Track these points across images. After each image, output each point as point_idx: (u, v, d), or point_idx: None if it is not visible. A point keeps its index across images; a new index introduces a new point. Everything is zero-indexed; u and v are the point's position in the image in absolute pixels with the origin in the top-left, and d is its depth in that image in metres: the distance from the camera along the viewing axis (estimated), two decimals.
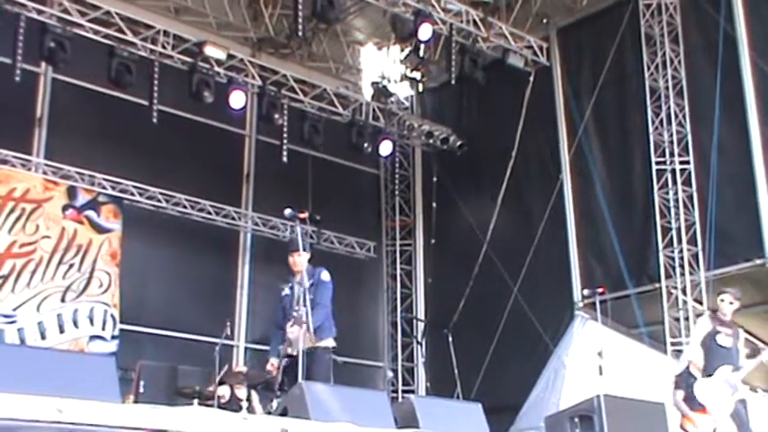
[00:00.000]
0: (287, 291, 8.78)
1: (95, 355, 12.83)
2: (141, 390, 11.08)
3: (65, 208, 14.90)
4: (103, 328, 14.83)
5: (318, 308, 8.49)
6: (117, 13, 14.02)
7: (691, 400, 11.17)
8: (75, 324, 14.54)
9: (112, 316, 14.97)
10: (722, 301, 9.74)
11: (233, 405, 10.41)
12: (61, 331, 14.38)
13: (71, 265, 14.76)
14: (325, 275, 8.83)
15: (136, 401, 10.31)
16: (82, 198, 15.11)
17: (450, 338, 16.32)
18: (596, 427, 7.25)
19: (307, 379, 7.80)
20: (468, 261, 17.29)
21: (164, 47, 14.51)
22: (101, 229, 15.21)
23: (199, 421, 4.96)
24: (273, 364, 8.59)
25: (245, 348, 16.71)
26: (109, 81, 14.21)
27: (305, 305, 8.18)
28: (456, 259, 17.97)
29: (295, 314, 8.24)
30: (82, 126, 15.18)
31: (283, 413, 6.37)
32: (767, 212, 13.72)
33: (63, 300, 14.58)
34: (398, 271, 19.26)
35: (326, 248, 17.48)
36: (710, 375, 9.61)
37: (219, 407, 9.82)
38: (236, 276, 17.08)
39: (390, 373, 18.05)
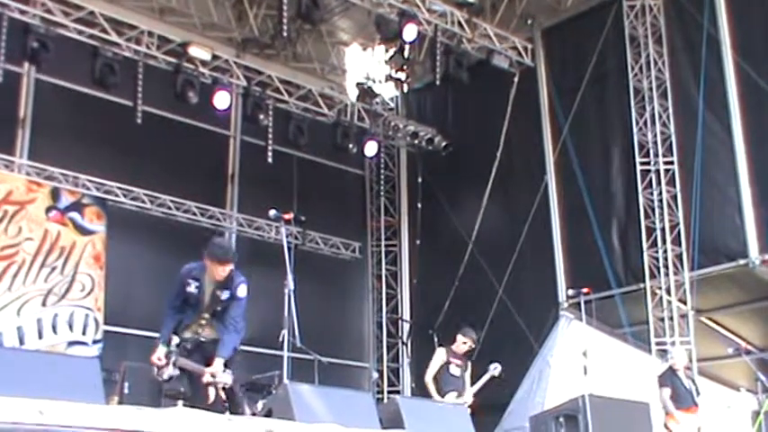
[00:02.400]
0: (193, 289, 8.00)
1: (79, 357, 12.77)
2: (126, 391, 11.02)
3: (48, 210, 14.81)
4: (84, 333, 14.73)
5: (236, 334, 7.99)
6: (101, 14, 13.98)
7: (675, 400, 11.27)
8: (54, 329, 14.44)
9: (95, 320, 14.88)
10: (465, 343, 11.36)
11: (218, 406, 10.38)
12: (40, 336, 14.25)
13: (53, 268, 14.67)
14: (244, 290, 8.13)
15: (120, 403, 10.27)
16: (65, 200, 15.03)
17: (436, 339, 16.30)
18: (581, 426, 7.27)
19: (194, 392, 7.81)
20: (454, 262, 17.30)
21: (148, 47, 14.46)
22: (84, 231, 15.13)
23: (184, 423, 4.95)
24: (160, 357, 7.85)
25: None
26: (93, 82, 14.16)
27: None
28: (441, 260, 17.98)
29: (204, 321, 7.99)
30: (65, 127, 15.11)
31: (268, 414, 6.37)
32: (750, 213, 13.77)
33: (44, 304, 14.46)
34: (384, 272, 19.26)
35: (311, 249, 17.46)
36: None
37: (204, 409, 9.79)
38: None
39: (376, 374, 18.04)
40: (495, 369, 11.25)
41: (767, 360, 14.23)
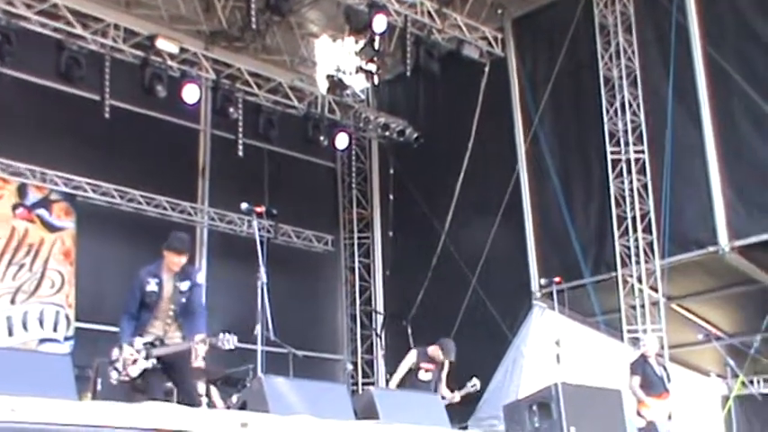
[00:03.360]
0: (153, 286, 8.12)
1: (51, 354, 12.69)
2: (99, 387, 10.97)
3: (15, 207, 14.70)
4: (55, 330, 14.63)
5: (203, 317, 8.25)
6: (65, 6, 13.81)
7: (647, 387, 11.34)
8: (25, 326, 14.34)
9: (66, 316, 14.79)
10: (441, 357, 11.04)
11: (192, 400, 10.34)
12: (10, 334, 14.16)
13: (22, 266, 14.55)
14: (202, 276, 8.74)
15: (93, 399, 10.21)
16: (33, 196, 14.92)
17: (410, 330, 16.35)
18: (554, 414, 7.30)
19: (181, 381, 8.04)
20: (426, 253, 17.32)
21: (114, 40, 14.33)
22: (52, 228, 15.01)
23: (158, 417, 4.92)
24: (133, 354, 7.94)
25: (207, 343, 16.58)
26: (58, 76, 14.03)
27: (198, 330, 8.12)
28: (414, 251, 18.00)
29: (172, 314, 8.10)
30: (32, 122, 14.95)
31: (243, 407, 6.35)
32: (720, 201, 13.87)
33: (13, 301, 14.36)
34: (357, 264, 19.25)
35: (284, 243, 17.43)
36: None
37: (178, 402, 9.75)
38: None
39: (350, 366, 18.05)
40: (473, 386, 11.16)
41: (736, 346, 14.36)
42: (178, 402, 7.84)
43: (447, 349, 11.10)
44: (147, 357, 7.96)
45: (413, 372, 10.99)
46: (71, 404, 4.77)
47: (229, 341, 7.93)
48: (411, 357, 11.07)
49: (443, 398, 10.40)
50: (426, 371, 10.97)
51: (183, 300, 8.13)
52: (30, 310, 14.45)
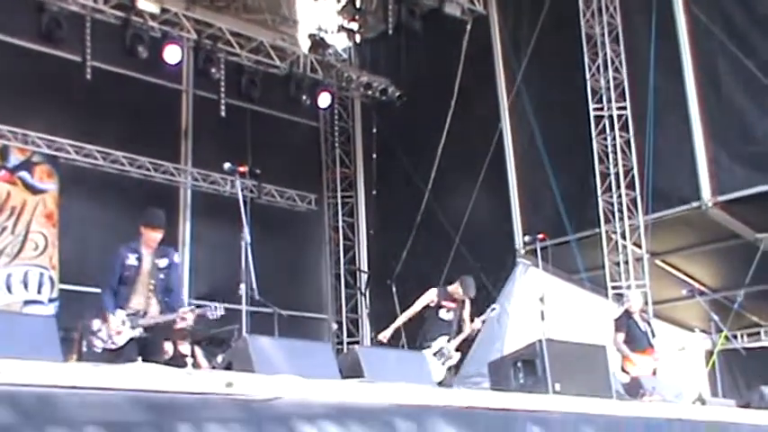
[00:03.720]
0: (133, 260, 8.32)
1: (36, 316, 12.67)
2: (84, 349, 10.99)
3: None
4: (39, 292, 14.63)
5: (181, 294, 8.74)
6: None
7: (631, 342, 11.42)
8: (9, 289, 14.34)
9: (50, 278, 14.78)
10: (460, 293, 10.98)
11: (177, 361, 10.37)
12: None
13: (4, 228, 14.52)
14: (178, 257, 8.82)
15: (79, 361, 10.23)
16: (14, 159, 14.85)
17: (394, 289, 16.40)
18: (539, 370, 7.34)
19: (153, 353, 8.07)
20: (410, 211, 17.35)
21: (95, 1, 14.23)
22: (35, 190, 14.96)
23: (144, 378, 4.93)
24: (118, 324, 8.10)
25: (189, 304, 16.60)
26: (39, 37, 13.93)
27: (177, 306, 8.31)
28: (398, 210, 18.02)
29: (152, 288, 8.28)
30: (13, 84, 14.81)
31: (228, 367, 6.37)
32: (702, 156, 13.91)
33: None
34: (340, 223, 19.29)
35: (267, 202, 17.44)
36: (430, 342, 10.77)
37: (164, 363, 9.78)
38: (178, 232, 16.92)
39: (335, 325, 18.13)
40: (492, 311, 11.15)
41: (720, 301, 14.45)
42: None
43: (466, 285, 11.04)
44: (132, 327, 8.11)
45: (433, 310, 10.93)
46: (57, 366, 4.78)
47: (217, 309, 8.12)
48: (430, 295, 11.01)
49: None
50: (448, 309, 10.95)
51: (162, 276, 8.34)
52: (13, 272, 14.44)
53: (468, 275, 11.42)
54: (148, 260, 8.33)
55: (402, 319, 11.17)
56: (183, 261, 16.80)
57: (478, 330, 11.29)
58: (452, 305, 10.97)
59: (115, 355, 8.10)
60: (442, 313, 10.91)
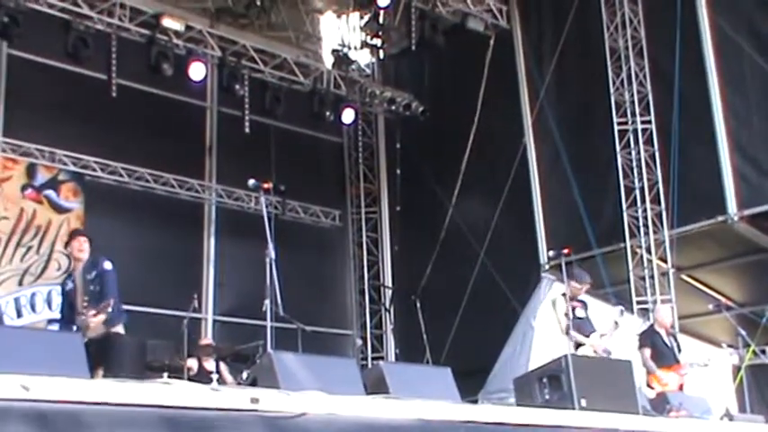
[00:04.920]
0: (69, 284, 8.71)
1: (62, 332, 12.74)
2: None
3: (24, 188, 14.74)
4: None
5: (109, 297, 8.52)
6: None
7: (657, 358, 11.34)
8: (33, 308, 14.42)
9: None
10: (580, 288, 10.88)
11: (202, 377, 10.41)
12: (19, 315, 14.26)
13: (29, 248, 14.61)
14: (108, 264, 8.86)
15: (105, 377, 10.28)
16: (41, 177, 14.96)
17: (418, 304, 16.34)
18: (564, 386, 7.31)
19: (107, 363, 8.21)
20: (434, 227, 17.33)
21: (120, 19, 14.33)
22: (60, 209, 15.06)
23: (169, 394, 4.95)
24: None
25: (213, 321, 16.69)
26: (66, 55, 14.04)
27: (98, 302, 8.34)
28: (422, 225, 18.00)
29: (85, 304, 8.44)
30: (40, 102, 14.97)
31: (253, 383, 6.38)
32: (728, 170, 13.84)
33: (21, 283, 14.43)
34: (364, 239, 19.28)
35: (291, 218, 17.45)
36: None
37: (189, 379, 9.81)
38: (203, 249, 17.00)
39: (359, 341, 18.10)
40: (620, 312, 10.87)
41: (747, 315, 14.34)
42: None
43: (579, 277, 10.95)
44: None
45: (568, 315, 10.56)
46: (84, 382, 4.81)
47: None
48: (561, 304, 10.68)
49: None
50: (580, 308, 10.79)
51: (94, 288, 8.57)
52: (37, 291, 14.52)
53: (575, 266, 11.29)
54: (80, 278, 8.60)
55: (563, 328, 10.57)
56: (208, 277, 16.86)
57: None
58: (578, 304, 10.80)
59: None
60: (578, 312, 10.72)
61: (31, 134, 14.81)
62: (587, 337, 10.55)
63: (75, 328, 8.44)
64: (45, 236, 14.80)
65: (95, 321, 8.30)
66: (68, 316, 8.66)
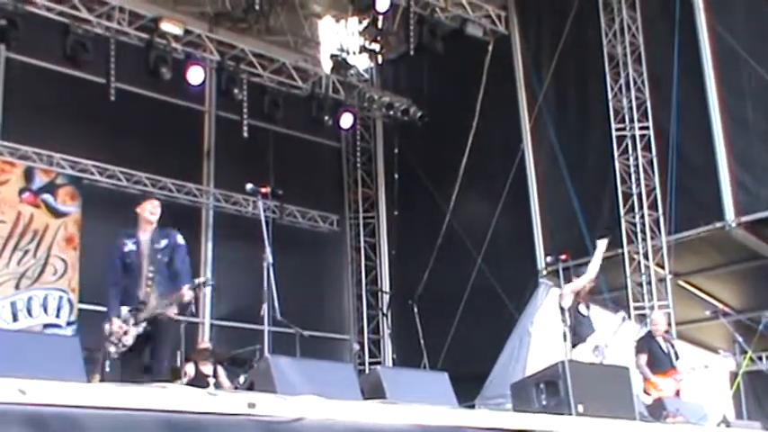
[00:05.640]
0: (131, 246, 8.01)
1: (60, 336, 12.76)
2: (107, 369, 11.02)
3: (21, 191, 14.73)
4: (58, 316, 14.69)
5: (186, 277, 8.00)
6: None
7: (654, 364, 11.34)
8: (30, 312, 14.41)
9: (69, 301, 14.82)
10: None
11: (200, 381, 10.38)
12: (15, 319, 14.24)
13: (26, 252, 14.60)
14: (182, 239, 8.28)
15: (102, 381, 10.27)
16: (39, 181, 14.95)
17: (416, 309, 16.35)
18: (561, 392, 7.31)
19: (157, 348, 7.88)
20: (432, 232, 17.34)
21: (119, 23, 14.35)
22: (57, 213, 15.04)
23: (166, 398, 4.95)
24: (121, 326, 7.83)
25: (211, 325, 16.68)
26: (64, 59, 14.06)
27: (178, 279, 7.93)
28: (419, 230, 18.01)
29: (151, 275, 7.91)
30: (38, 105, 14.97)
31: (250, 387, 6.38)
32: (726, 176, 13.85)
33: (17, 287, 14.41)
34: (362, 243, 19.28)
35: (289, 223, 17.46)
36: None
37: (186, 384, 9.79)
38: (200, 253, 16.97)
39: (357, 346, 18.10)
40: (623, 318, 10.80)
41: (744, 322, 14.34)
42: (146, 368, 7.98)
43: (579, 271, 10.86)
44: (135, 323, 7.89)
45: (572, 311, 10.41)
46: (81, 386, 4.80)
47: (207, 282, 8.17)
48: (567, 301, 10.50)
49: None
50: (585, 306, 10.60)
51: (164, 259, 8.01)
52: (34, 295, 14.51)
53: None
54: (146, 243, 8.05)
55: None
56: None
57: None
58: (583, 302, 10.58)
59: (130, 357, 7.92)
60: (582, 308, 10.55)
61: (29, 137, 14.81)
62: (584, 340, 10.43)
63: (123, 292, 7.96)
64: (42, 240, 14.78)
65: (167, 307, 7.84)
66: (127, 284, 7.96)
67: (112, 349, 7.92)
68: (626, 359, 10.99)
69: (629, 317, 14.22)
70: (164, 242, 8.07)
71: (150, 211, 8.13)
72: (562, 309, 10.39)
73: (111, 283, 8.10)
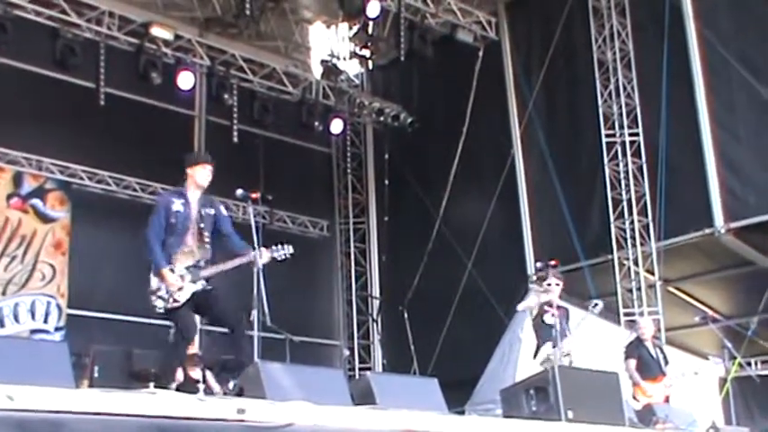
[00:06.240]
0: (179, 206, 7.87)
1: (48, 341, 12.71)
2: (96, 375, 10.98)
3: (9, 196, 14.68)
4: (46, 321, 14.64)
5: (240, 238, 8.14)
6: None
7: (643, 369, 11.35)
8: (17, 318, 14.35)
9: (58, 306, 14.78)
10: (551, 285, 10.51)
11: (189, 387, 10.34)
12: (1, 325, 14.18)
13: (14, 257, 14.54)
14: (225, 210, 8.41)
15: (91, 386, 10.22)
16: (27, 186, 14.90)
17: (406, 315, 16.34)
18: (551, 398, 7.31)
19: (222, 309, 7.87)
20: (422, 237, 17.33)
21: (109, 28, 14.34)
22: (46, 219, 14.99)
23: (156, 404, 4.94)
24: (177, 280, 7.67)
25: (200, 330, 16.60)
26: (54, 64, 14.03)
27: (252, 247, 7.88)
28: (410, 236, 18.01)
29: (207, 235, 7.87)
30: (28, 110, 14.93)
31: (239, 393, 6.36)
32: (715, 182, 13.88)
33: (4, 293, 14.36)
34: (352, 249, 19.27)
35: (279, 228, 17.43)
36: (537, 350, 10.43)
37: (176, 389, 9.75)
38: None
39: (347, 351, 18.07)
40: (595, 307, 10.59)
41: (733, 328, 14.37)
42: (228, 330, 7.87)
43: (547, 273, 10.77)
44: (194, 281, 7.80)
45: (539, 316, 10.51)
46: (69, 392, 4.78)
47: (286, 248, 8.10)
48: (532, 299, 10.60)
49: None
50: (552, 315, 10.35)
51: (210, 225, 7.99)
52: (21, 301, 14.45)
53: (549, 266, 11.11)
54: (196, 207, 7.95)
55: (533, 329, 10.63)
56: None
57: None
58: (553, 309, 10.38)
59: (175, 314, 7.79)
60: (547, 318, 10.43)
61: (17, 142, 14.75)
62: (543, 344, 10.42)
63: (191, 260, 7.80)
64: (30, 246, 14.72)
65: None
66: (172, 243, 7.77)
67: (159, 304, 7.77)
68: (615, 365, 11.00)
69: (620, 323, 14.25)
70: (210, 210, 8.04)
71: (206, 176, 8.07)
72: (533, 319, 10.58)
73: (154, 237, 7.82)
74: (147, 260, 7.87)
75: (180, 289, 7.71)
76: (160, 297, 7.74)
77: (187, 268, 7.79)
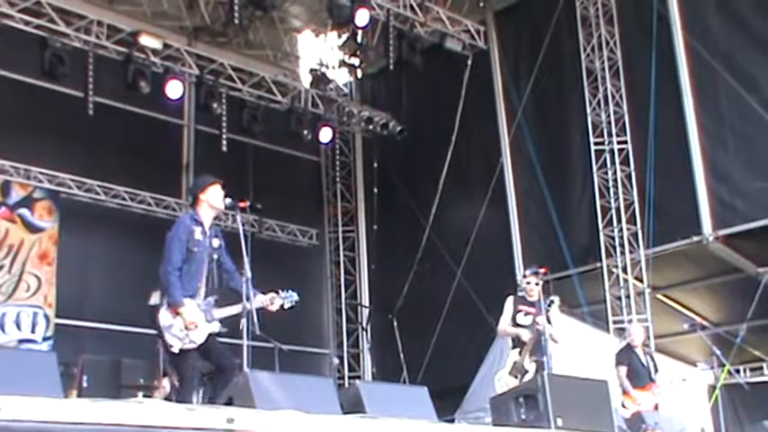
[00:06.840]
0: (199, 235, 7.35)
1: (36, 351, 12.67)
2: (84, 384, 10.96)
3: None
4: (33, 332, 14.57)
5: (239, 281, 7.44)
6: (48, 3, 13.75)
7: (633, 377, 11.37)
8: (3, 328, 14.29)
9: (45, 316, 14.71)
10: (529, 283, 10.32)
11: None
12: None
13: (1, 267, 14.48)
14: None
15: (79, 396, 10.19)
16: (15, 195, 14.84)
17: (395, 323, 16.37)
18: (540, 405, 7.30)
19: (220, 355, 7.38)
20: (412, 246, 17.34)
21: (98, 37, 14.30)
22: (33, 229, 14.93)
23: (144, 413, 4.92)
24: (193, 316, 7.07)
25: None
26: (42, 73, 13.99)
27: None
28: (399, 244, 18.01)
29: (206, 272, 7.27)
30: (16, 120, 14.88)
31: (229, 402, 6.34)
32: (703, 190, 13.93)
33: None
34: (342, 258, 19.26)
35: (268, 237, 17.42)
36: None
37: (164, 399, 9.74)
38: None
39: (336, 360, 18.05)
40: (551, 305, 10.06)
41: (722, 335, 14.41)
42: (219, 373, 7.33)
43: (524, 272, 10.72)
44: (209, 321, 7.33)
45: (513, 318, 10.23)
46: (57, 402, 4.76)
47: (292, 298, 7.72)
48: (508, 303, 10.37)
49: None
50: (526, 313, 10.11)
51: (216, 256, 7.45)
52: (8, 312, 14.39)
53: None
54: (210, 235, 7.45)
55: (503, 330, 10.41)
56: None
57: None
58: (530, 309, 10.12)
59: (185, 359, 7.22)
60: (520, 318, 10.17)
61: (5, 151, 14.70)
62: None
63: (202, 298, 7.24)
64: (17, 256, 14.67)
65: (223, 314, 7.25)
66: (187, 275, 7.17)
67: (175, 343, 7.16)
68: (604, 372, 11.01)
69: (609, 331, 14.27)
70: (216, 241, 7.55)
71: (220, 195, 7.56)
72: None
73: (172, 264, 7.21)
74: (163, 290, 7.34)
75: (195, 327, 7.18)
76: (175, 336, 7.19)
77: (198, 305, 7.32)
